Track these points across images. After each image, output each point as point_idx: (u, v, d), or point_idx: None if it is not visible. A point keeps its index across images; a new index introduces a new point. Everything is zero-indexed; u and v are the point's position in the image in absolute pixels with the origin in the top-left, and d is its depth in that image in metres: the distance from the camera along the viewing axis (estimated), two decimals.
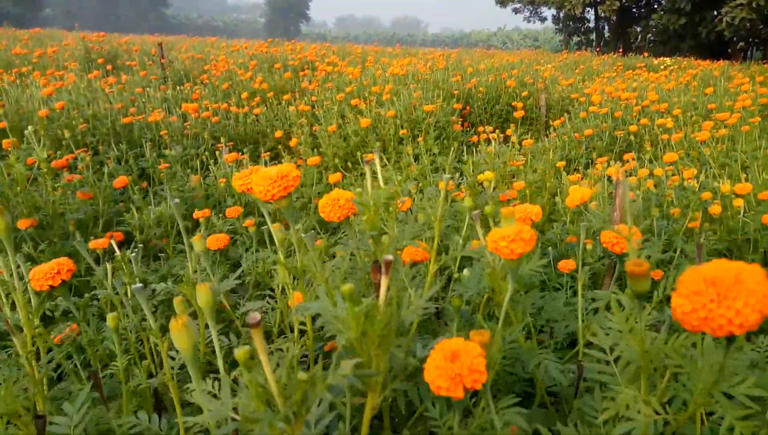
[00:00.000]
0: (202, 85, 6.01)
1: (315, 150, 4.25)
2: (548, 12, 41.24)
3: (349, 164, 3.95)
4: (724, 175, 2.27)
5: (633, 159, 3.02)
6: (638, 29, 35.52)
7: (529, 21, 43.08)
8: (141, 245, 1.42)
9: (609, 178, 2.82)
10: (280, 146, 4.73)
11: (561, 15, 38.50)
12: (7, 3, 68.45)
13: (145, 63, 7.12)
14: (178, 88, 5.26)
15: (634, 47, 35.77)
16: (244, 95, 5.51)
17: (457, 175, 3.07)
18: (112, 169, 2.47)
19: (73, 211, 1.95)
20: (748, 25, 24.54)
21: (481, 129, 4.70)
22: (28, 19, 66.19)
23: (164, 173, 2.91)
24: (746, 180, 2.24)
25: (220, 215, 2.12)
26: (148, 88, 4.66)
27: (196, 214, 1.79)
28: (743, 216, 1.87)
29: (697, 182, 2.09)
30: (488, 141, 4.64)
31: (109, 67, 6.39)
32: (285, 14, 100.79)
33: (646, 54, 15.07)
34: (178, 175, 2.79)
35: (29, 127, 2.20)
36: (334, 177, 2.56)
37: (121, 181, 2.28)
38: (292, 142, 4.26)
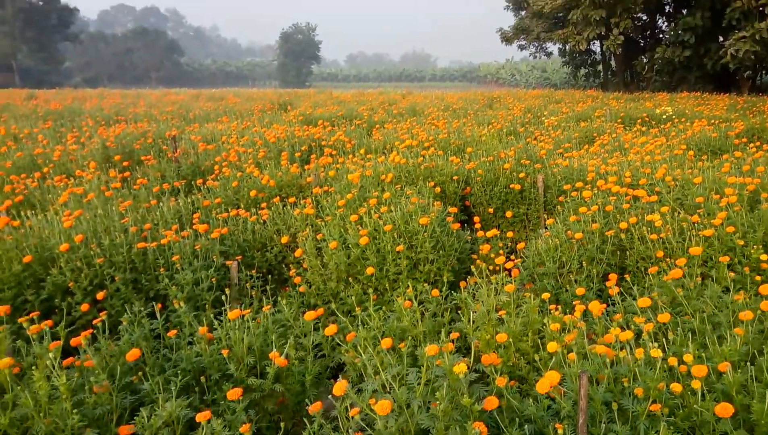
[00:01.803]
0: (214, 180, 6.32)
1: (319, 259, 4.47)
2: (554, 47, 41.94)
3: (351, 280, 4.17)
4: (690, 338, 2.40)
5: (615, 285, 3.19)
6: (644, 60, 35.86)
7: (534, 57, 43.77)
8: None
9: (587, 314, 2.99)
10: (286, 250, 4.98)
11: (567, 48, 39.07)
12: (29, 59, 71.32)
13: (161, 151, 7.51)
14: (191, 191, 5.56)
15: (642, 76, 36.08)
16: (252, 193, 5.80)
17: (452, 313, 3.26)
18: (125, 343, 2.68)
19: (89, 411, 2.15)
20: (752, 56, 24.68)
21: (480, 234, 4.90)
22: (46, 73, 68.95)
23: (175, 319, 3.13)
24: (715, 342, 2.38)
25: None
26: (161, 204, 4.95)
27: (198, 416, 1.99)
28: (702, 398, 2.01)
29: (663, 349, 2.24)
30: (495, 249, 4.84)
31: (125, 163, 6.76)
32: (297, 57, 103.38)
33: (648, 103, 15.29)
34: (187, 327, 3.01)
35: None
36: (329, 330, 2.77)
37: (133, 354, 2.50)
38: (297, 253, 4.49)
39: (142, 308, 3.03)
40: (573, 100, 18.61)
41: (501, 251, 4.65)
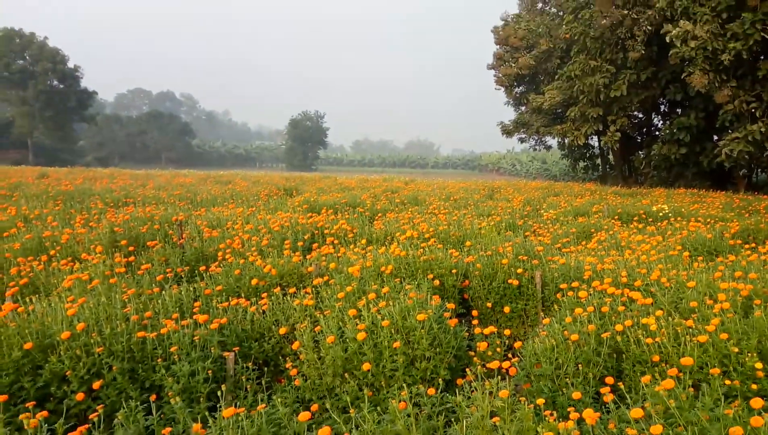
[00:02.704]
0: (218, 266, 6.42)
1: (316, 352, 4.49)
2: (553, 141, 43.33)
3: (347, 375, 4.17)
4: None
5: (609, 392, 3.20)
6: (642, 155, 36.89)
7: (534, 150, 45.17)
8: None
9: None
10: (284, 341, 4.99)
11: (566, 142, 40.36)
12: (45, 137, 73.80)
13: (167, 235, 7.68)
14: (195, 277, 5.67)
15: (640, 171, 36.97)
16: (254, 281, 5.89)
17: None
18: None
19: None
20: (746, 156, 25.43)
21: (478, 331, 4.94)
22: (60, 151, 71.11)
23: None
24: None
25: None
26: (163, 292, 5.03)
27: None
28: None
29: None
30: (492, 351, 4.87)
31: (131, 248, 6.91)
32: (304, 142, 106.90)
33: (645, 200, 15.68)
34: (181, 423, 3.01)
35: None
36: (323, 432, 2.77)
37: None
38: (295, 346, 4.51)
39: (138, 403, 3.04)
40: (572, 194, 19.05)
41: (498, 349, 4.66)
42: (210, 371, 4.02)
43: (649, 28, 27.69)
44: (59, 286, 5.17)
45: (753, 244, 8.66)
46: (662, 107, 36.97)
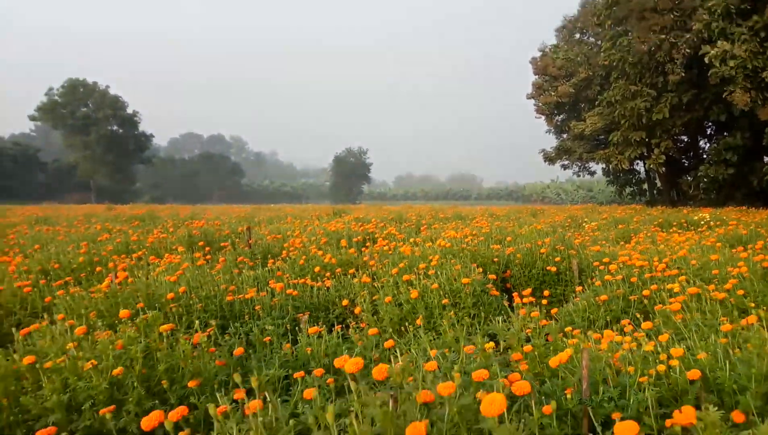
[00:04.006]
0: (283, 261, 7.24)
1: (375, 315, 5.18)
2: (597, 166, 43.23)
3: (402, 328, 4.84)
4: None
5: (628, 324, 3.77)
6: (689, 178, 36.41)
7: (578, 175, 45.05)
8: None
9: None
10: (346, 311, 5.71)
11: (610, 168, 40.20)
12: (106, 179, 78.42)
13: (234, 243, 8.59)
14: (265, 267, 6.50)
15: (689, 194, 36.43)
16: (317, 269, 6.66)
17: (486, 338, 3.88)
18: (231, 342, 3.46)
19: (212, 373, 2.89)
20: None
21: (515, 295, 5.54)
22: (119, 191, 75.39)
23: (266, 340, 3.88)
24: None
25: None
26: (243, 269, 5.86)
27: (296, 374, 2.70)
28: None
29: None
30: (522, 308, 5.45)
31: (207, 248, 7.83)
32: (348, 177, 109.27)
33: (687, 210, 15.80)
34: (275, 344, 3.75)
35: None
36: (388, 343, 3.46)
37: (238, 351, 3.26)
38: (357, 310, 5.22)
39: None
40: (615, 211, 19.26)
41: (535, 313, 5.24)
42: (288, 326, 4.76)
43: (688, 51, 27.90)
44: (155, 270, 6.06)
45: None
46: (708, 130, 36.61)
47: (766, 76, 22.37)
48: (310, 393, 2.48)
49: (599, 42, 37.06)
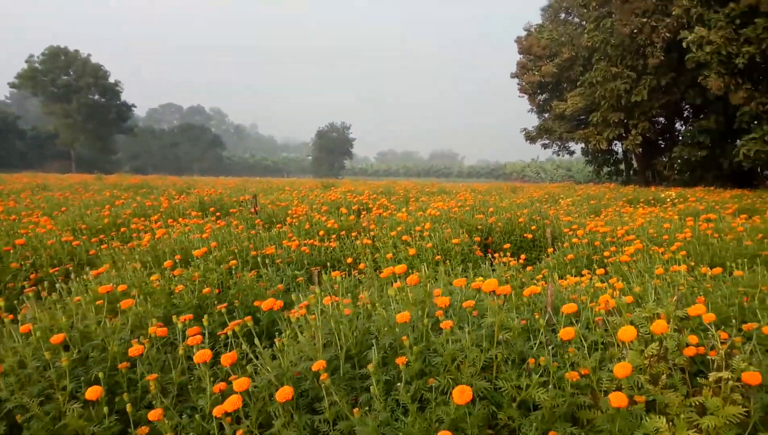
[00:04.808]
0: (289, 226, 8.03)
1: (376, 271, 6.03)
2: (576, 146, 44.38)
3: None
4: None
5: (587, 273, 4.67)
6: (664, 159, 37.70)
7: (558, 155, 46.17)
8: None
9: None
10: (350, 268, 6.55)
11: (589, 148, 41.33)
12: (86, 149, 77.68)
13: (243, 210, 9.35)
14: (273, 230, 7.28)
15: (663, 175, 37.76)
16: (321, 233, 7.47)
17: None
18: (274, 278, 4.28)
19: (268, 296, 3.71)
20: (763, 156, 26.26)
21: (497, 255, 6.44)
22: (99, 161, 74.86)
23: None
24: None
25: None
26: (259, 231, 6.66)
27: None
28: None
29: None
30: (503, 264, 6.36)
31: (218, 214, 8.57)
32: (330, 153, 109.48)
33: (655, 189, 16.84)
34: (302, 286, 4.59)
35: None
36: (396, 284, 4.30)
37: (280, 286, 4.08)
38: (360, 266, 6.07)
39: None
40: (590, 189, 20.30)
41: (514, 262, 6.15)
42: (300, 279, 5.58)
43: (668, 35, 28.84)
44: (182, 227, 6.81)
45: (743, 216, 9.90)
46: (685, 112, 37.82)
47: (739, 62, 23.38)
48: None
49: (583, 23, 37.78)
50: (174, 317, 2.72)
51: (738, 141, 28.76)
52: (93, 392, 2.14)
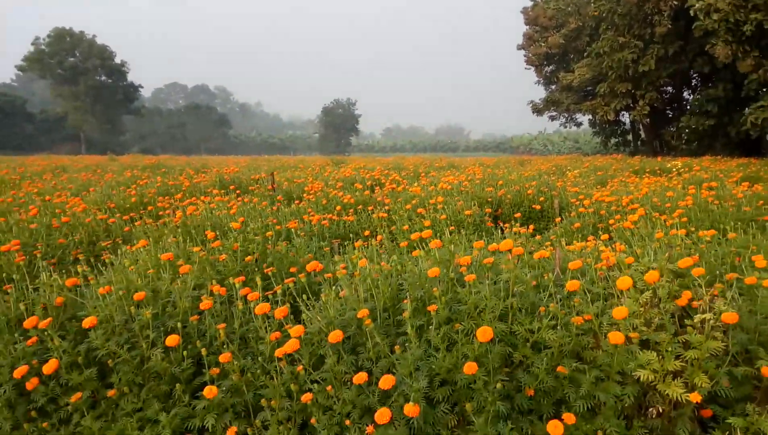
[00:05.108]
0: (307, 202, 8.42)
1: (393, 242, 6.41)
2: (584, 117, 44.28)
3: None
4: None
5: (593, 239, 5.02)
6: (672, 129, 37.63)
7: (565, 127, 46.09)
8: None
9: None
10: (369, 239, 6.94)
11: (596, 119, 41.27)
12: (95, 130, 78.12)
13: (261, 187, 9.74)
14: (292, 205, 7.67)
15: (671, 145, 37.74)
16: (338, 208, 7.85)
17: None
18: (299, 245, 4.69)
19: (303, 264, 4.10)
20: None
21: (506, 225, 6.80)
22: (108, 143, 75.31)
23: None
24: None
25: None
26: (280, 207, 7.04)
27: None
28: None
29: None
30: (514, 233, 6.72)
31: (237, 191, 8.96)
32: (336, 129, 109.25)
33: (661, 159, 17.04)
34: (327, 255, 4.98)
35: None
36: (415, 253, 4.69)
37: (310, 255, 4.47)
38: (378, 238, 6.45)
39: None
40: (597, 160, 20.51)
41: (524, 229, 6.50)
42: (327, 249, 5.97)
43: (675, 2, 28.64)
44: (208, 205, 7.21)
45: (746, 183, 10.18)
46: (693, 81, 37.58)
47: (747, 29, 23.27)
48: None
49: None
50: (230, 279, 3.13)
51: (746, 109, 28.77)
52: (172, 340, 2.55)
